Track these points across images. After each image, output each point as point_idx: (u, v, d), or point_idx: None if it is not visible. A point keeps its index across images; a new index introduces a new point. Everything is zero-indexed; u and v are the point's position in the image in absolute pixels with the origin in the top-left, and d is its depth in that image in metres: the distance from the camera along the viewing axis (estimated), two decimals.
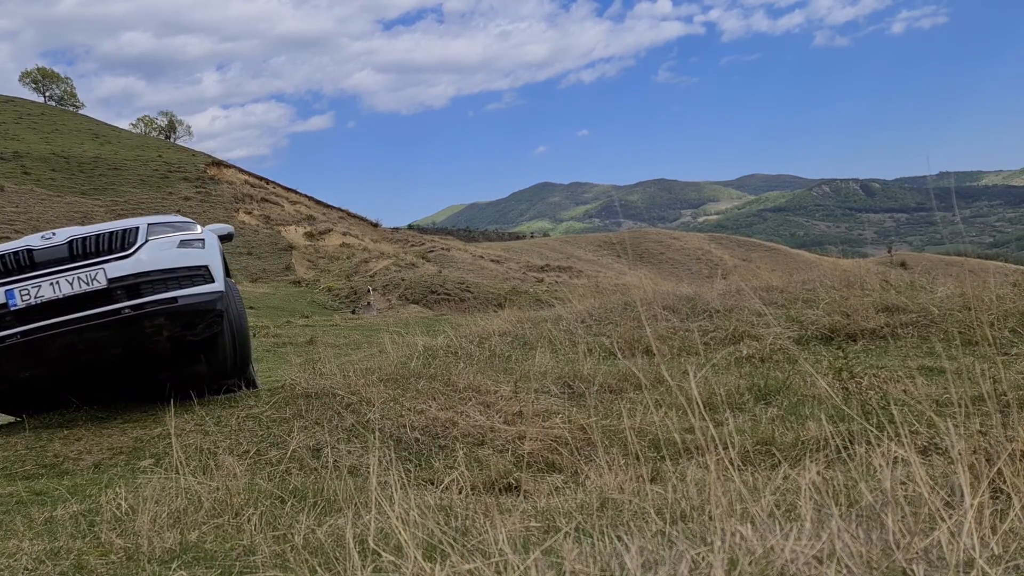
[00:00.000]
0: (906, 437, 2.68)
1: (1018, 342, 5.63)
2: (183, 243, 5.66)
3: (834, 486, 2.98)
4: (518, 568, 1.98)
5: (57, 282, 5.18)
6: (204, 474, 3.74)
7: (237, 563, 2.73)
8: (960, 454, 2.29)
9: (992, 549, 1.80)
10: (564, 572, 1.97)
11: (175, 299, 5.41)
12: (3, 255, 5.26)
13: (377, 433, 5.02)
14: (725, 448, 3.54)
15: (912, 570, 1.72)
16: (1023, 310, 6.16)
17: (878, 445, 2.77)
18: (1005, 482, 2.30)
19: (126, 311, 5.27)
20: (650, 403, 5.16)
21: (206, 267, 5.68)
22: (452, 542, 2.28)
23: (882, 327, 6.70)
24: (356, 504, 3.20)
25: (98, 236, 5.44)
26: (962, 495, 1.96)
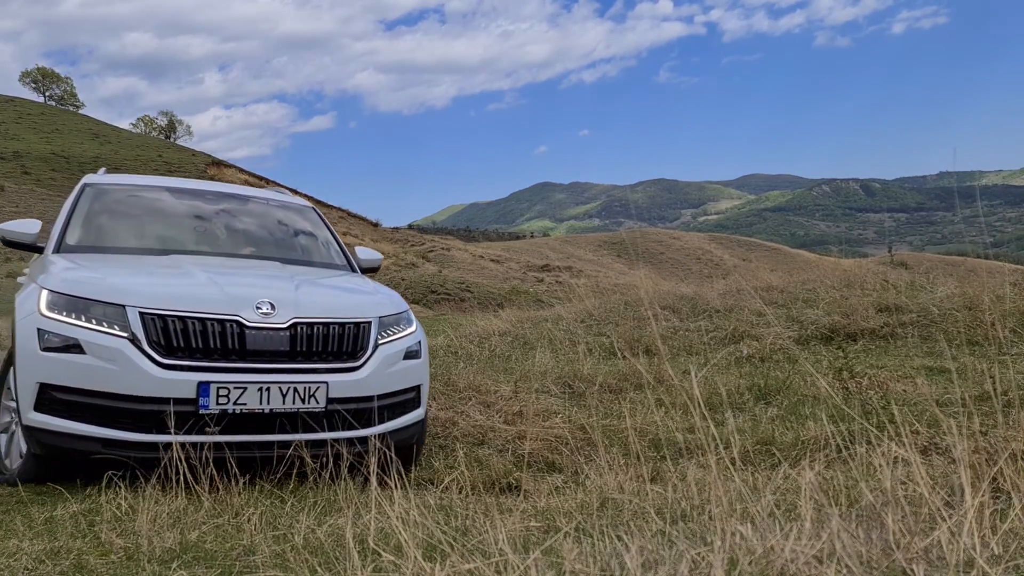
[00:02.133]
0: (906, 437, 2.68)
1: (1018, 342, 5.63)
2: (408, 353, 4.30)
3: (834, 486, 2.98)
4: (518, 568, 1.98)
5: (267, 389, 3.71)
6: (204, 473, 3.73)
7: (237, 563, 2.73)
8: (962, 454, 2.28)
9: (992, 549, 1.80)
10: (564, 572, 1.97)
11: (384, 435, 4.04)
12: (207, 320, 3.72)
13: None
14: (726, 448, 3.55)
15: (912, 570, 1.72)
16: (1023, 310, 6.16)
17: (878, 445, 2.77)
18: (1006, 481, 2.30)
19: (328, 444, 3.86)
20: (651, 403, 5.16)
21: (419, 387, 4.37)
22: (452, 542, 2.28)
23: (882, 327, 6.70)
24: (356, 504, 3.20)
25: (327, 328, 3.97)
26: (962, 495, 1.96)
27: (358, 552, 2.29)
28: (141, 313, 3.68)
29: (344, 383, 3.92)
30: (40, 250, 4.76)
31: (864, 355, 6.04)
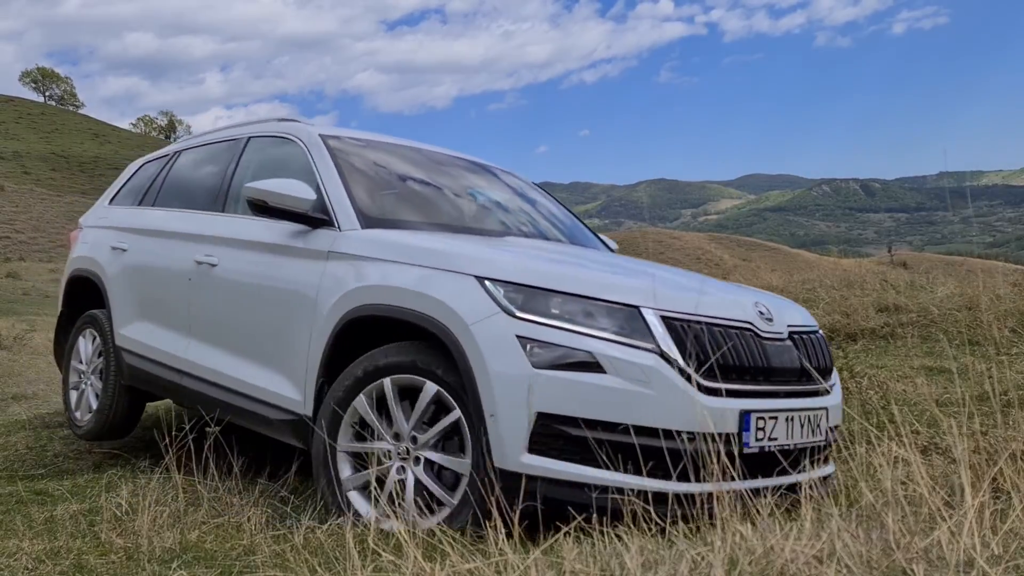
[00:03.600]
0: (907, 437, 2.68)
1: (1018, 341, 5.63)
2: None
3: (834, 485, 2.98)
4: (518, 568, 1.98)
5: (791, 418, 2.93)
6: (204, 474, 3.73)
7: (237, 563, 2.73)
8: (962, 454, 2.29)
9: (992, 549, 1.80)
10: (564, 572, 1.97)
11: (830, 476, 3.19)
12: (729, 329, 2.91)
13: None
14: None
15: (912, 570, 1.72)
16: (1023, 309, 6.16)
17: (878, 445, 2.77)
18: (1006, 481, 2.30)
19: (795, 489, 2.74)
20: None
21: None
22: (452, 542, 2.28)
23: (882, 327, 6.70)
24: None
25: (811, 337, 3.27)
26: (962, 495, 1.96)
27: (358, 552, 2.29)
28: (665, 318, 2.79)
29: (833, 407, 3.20)
30: (315, 222, 3.60)
31: (864, 355, 6.04)
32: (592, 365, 2.68)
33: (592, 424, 2.64)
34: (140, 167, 5.68)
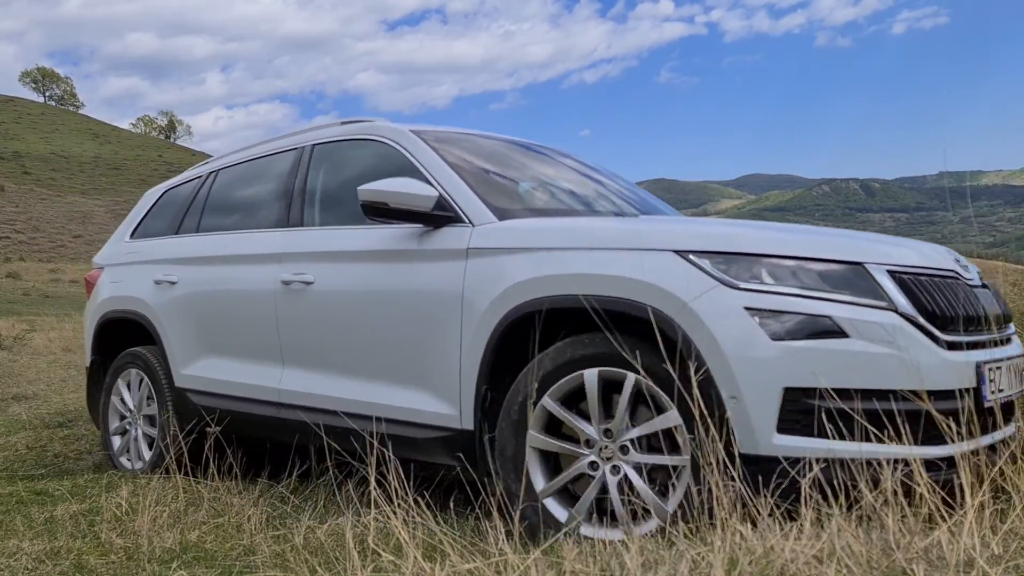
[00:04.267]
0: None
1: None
2: None
3: (834, 485, 2.97)
4: (518, 568, 1.98)
5: (1009, 368, 2.80)
6: (204, 474, 3.74)
7: (237, 563, 2.73)
8: (962, 453, 2.28)
9: (992, 549, 1.80)
10: (564, 572, 1.97)
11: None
12: (947, 279, 2.75)
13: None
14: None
15: (912, 570, 1.72)
16: (1023, 310, 6.16)
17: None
18: (1006, 481, 2.30)
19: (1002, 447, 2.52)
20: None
21: None
22: (452, 542, 2.28)
23: None
24: (356, 504, 3.20)
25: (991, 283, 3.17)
26: (963, 495, 1.96)
27: (358, 552, 2.29)
28: (892, 273, 2.59)
29: None
30: (438, 220, 3.30)
31: None
32: (833, 331, 2.47)
33: (843, 394, 2.42)
34: (162, 195, 5.24)
